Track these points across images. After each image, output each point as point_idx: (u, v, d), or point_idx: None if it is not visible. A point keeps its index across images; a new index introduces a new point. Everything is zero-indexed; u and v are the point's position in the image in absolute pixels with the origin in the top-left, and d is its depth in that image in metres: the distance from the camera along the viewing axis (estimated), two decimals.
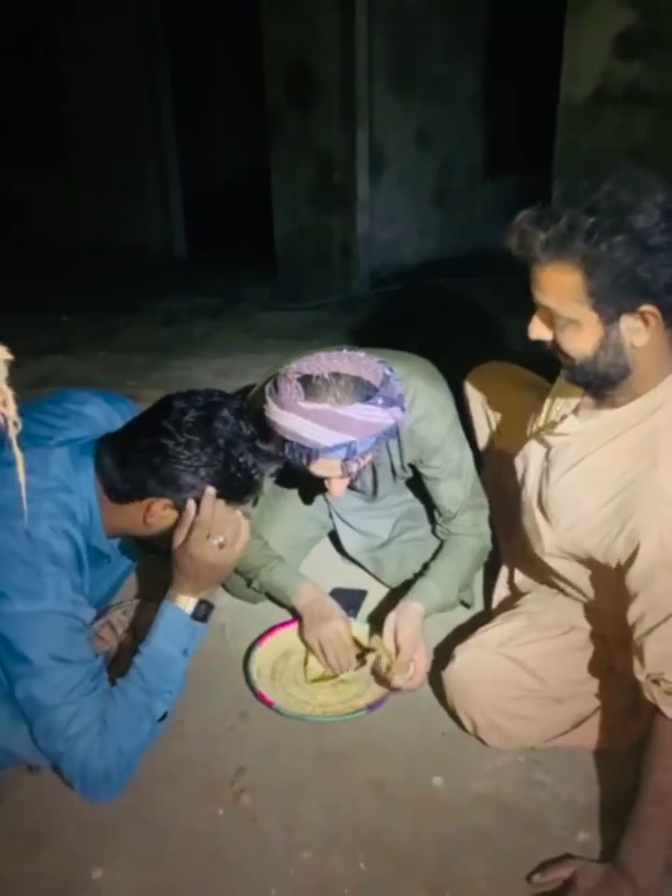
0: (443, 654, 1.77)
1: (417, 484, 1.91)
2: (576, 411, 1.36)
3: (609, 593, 1.34)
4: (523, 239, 1.14)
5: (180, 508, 1.36)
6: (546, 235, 1.11)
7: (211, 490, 1.34)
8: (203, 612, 1.45)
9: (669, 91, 3.22)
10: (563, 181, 1.10)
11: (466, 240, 5.72)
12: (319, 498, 2.05)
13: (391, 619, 1.66)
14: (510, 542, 1.78)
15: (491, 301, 4.65)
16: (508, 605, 1.71)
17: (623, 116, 3.34)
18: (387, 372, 1.50)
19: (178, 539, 1.39)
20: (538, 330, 1.25)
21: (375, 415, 1.44)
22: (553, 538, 1.39)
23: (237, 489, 1.37)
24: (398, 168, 5.14)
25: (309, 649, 1.77)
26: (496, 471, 1.92)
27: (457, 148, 5.52)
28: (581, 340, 1.19)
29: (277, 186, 5.07)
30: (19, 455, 0.60)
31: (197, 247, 6.40)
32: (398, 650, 1.63)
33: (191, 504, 1.36)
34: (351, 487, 1.90)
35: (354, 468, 1.52)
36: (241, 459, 1.33)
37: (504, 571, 1.80)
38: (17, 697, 1.30)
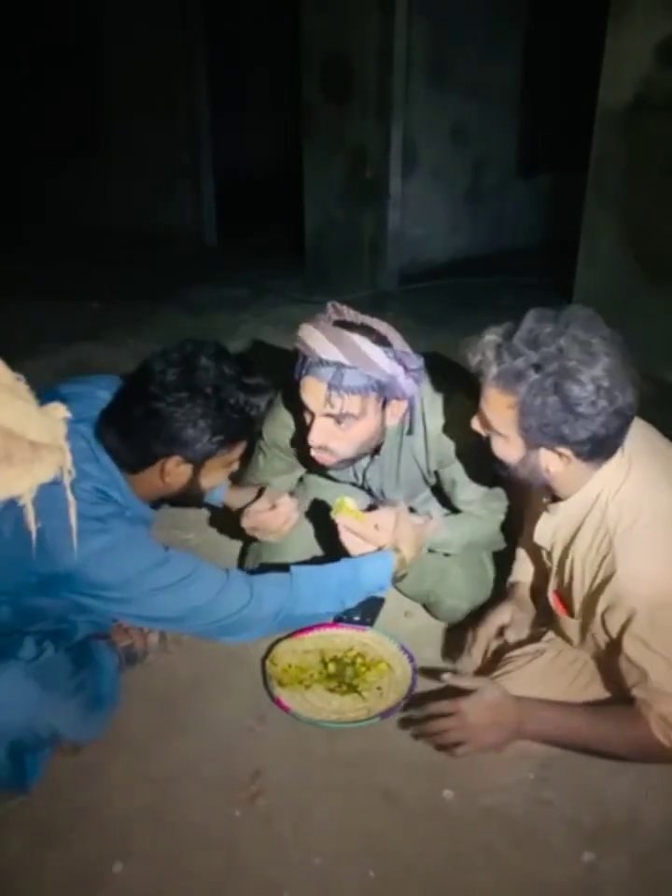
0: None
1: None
2: (547, 507, 1.45)
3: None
4: (480, 364, 1.27)
5: (192, 461, 1.40)
6: (499, 369, 1.24)
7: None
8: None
9: None
10: (535, 313, 1.23)
11: (496, 239, 5.70)
12: None
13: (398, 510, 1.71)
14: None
15: (518, 301, 4.64)
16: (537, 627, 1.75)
17: (662, 125, 3.30)
18: (410, 350, 1.60)
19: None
20: (477, 424, 1.38)
21: (378, 357, 1.53)
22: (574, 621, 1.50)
23: (238, 429, 1.42)
24: (431, 165, 5.12)
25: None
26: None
27: (491, 146, 5.49)
28: (507, 450, 1.34)
29: (309, 179, 5.06)
30: (72, 500, 0.64)
31: (227, 236, 6.43)
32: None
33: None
34: (365, 488, 1.94)
35: (336, 403, 1.55)
36: (232, 400, 1.37)
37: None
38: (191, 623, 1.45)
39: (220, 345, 1.44)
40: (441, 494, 1.92)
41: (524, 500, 1.71)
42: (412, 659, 1.79)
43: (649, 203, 3.41)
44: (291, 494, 2.11)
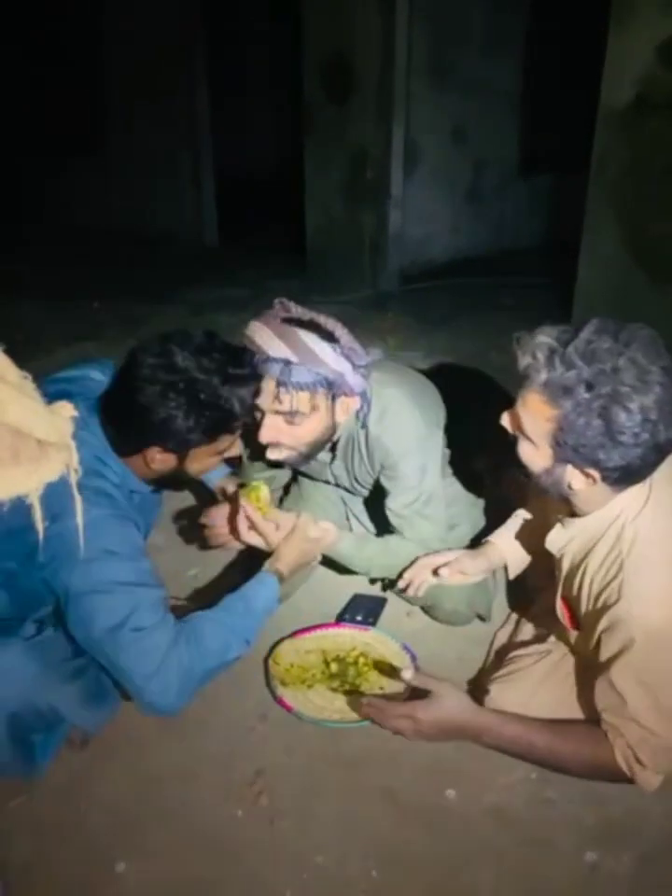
0: (462, 665, 1.82)
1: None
2: (562, 520, 1.43)
3: None
4: (529, 367, 1.22)
5: (174, 451, 1.43)
6: (547, 377, 1.18)
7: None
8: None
9: None
10: (597, 323, 1.18)
11: (497, 239, 5.70)
12: (338, 501, 2.10)
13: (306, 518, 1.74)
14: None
15: (519, 302, 4.65)
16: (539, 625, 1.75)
17: (664, 125, 3.30)
18: (360, 347, 1.61)
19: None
20: (507, 422, 1.33)
21: (324, 352, 1.54)
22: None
23: (216, 422, 1.43)
24: (431, 165, 5.13)
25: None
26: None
27: (492, 146, 5.49)
28: (533, 457, 1.29)
29: (310, 179, 5.07)
30: (78, 498, 0.64)
31: (228, 236, 6.43)
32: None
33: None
34: (342, 487, 1.95)
35: (285, 400, 1.56)
36: (203, 395, 1.37)
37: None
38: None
39: (209, 336, 1.44)
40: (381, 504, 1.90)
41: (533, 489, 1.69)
42: (414, 658, 1.78)
43: (651, 202, 3.41)
44: (286, 496, 2.12)
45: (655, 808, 1.49)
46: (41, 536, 0.65)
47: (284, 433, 1.63)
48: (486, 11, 5.09)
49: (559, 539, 1.43)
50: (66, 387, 1.52)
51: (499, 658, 1.72)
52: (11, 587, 1.44)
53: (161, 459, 1.45)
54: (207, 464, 1.52)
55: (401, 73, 4.57)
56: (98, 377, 1.55)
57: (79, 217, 6.62)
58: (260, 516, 1.68)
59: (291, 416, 1.59)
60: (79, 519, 0.68)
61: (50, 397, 1.44)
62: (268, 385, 1.56)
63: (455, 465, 1.95)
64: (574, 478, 1.26)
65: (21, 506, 0.64)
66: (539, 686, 1.54)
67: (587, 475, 1.24)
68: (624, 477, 1.23)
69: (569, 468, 1.25)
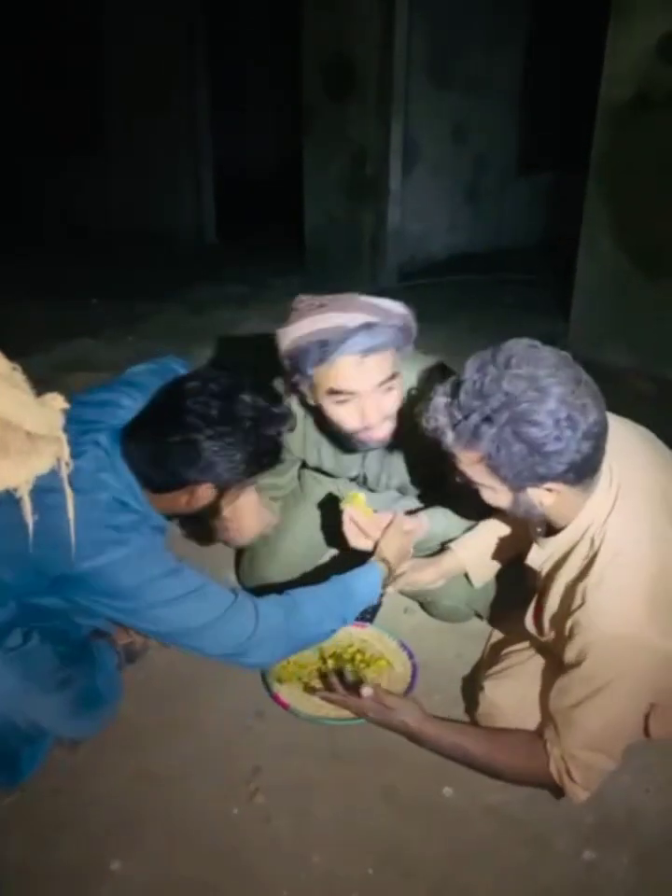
0: (460, 662, 1.81)
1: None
2: (538, 540, 1.44)
3: None
4: (436, 430, 1.23)
5: (221, 487, 1.41)
6: (454, 432, 1.20)
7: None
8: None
9: None
10: (473, 361, 1.21)
11: (495, 236, 5.70)
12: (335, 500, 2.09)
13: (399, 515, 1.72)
14: None
15: (517, 299, 4.65)
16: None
17: (663, 122, 3.29)
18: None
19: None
20: (459, 478, 1.32)
21: (386, 303, 1.51)
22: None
23: (266, 461, 1.45)
24: (431, 162, 5.12)
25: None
26: None
27: (492, 144, 5.49)
28: (496, 498, 1.29)
29: (310, 176, 5.06)
30: (69, 493, 0.63)
31: (228, 235, 6.42)
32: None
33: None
34: (371, 489, 1.94)
35: (384, 367, 1.49)
36: (267, 434, 1.39)
37: None
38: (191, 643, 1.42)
39: (251, 376, 1.43)
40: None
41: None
42: (411, 655, 1.78)
43: (650, 199, 3.40)
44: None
45: (653, 808, 1.48)
46: (31, 531, 0.64)
47: (386, 404, 1.55)
48: (486, 10, 5.08)
49: (538, 558, 1.43)
50: (95, 414, 1.45)
51: (495, 654, 1.71)
52: (21, 602, 1.41)
53: (205, 494, 1.42)
54: (236, 501, 1.52)
55: (401, 71, 4.56)
56: (126, 403, 1.48)
57: (79, 217, 6.62)
58: (367, 519, 1.68)
59: (391, 381, 1.52)
60: (71, 513, 0.67)
61: (76, 422, 1.36)
62: (363, 361, 1.47)
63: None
64: (540, 497, 1.26)
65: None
66: (533, 683, 1.53)
67: (548, 489, 1.24)
68: (580, 473, 1.22)
69: (529, 491, 1.24)
